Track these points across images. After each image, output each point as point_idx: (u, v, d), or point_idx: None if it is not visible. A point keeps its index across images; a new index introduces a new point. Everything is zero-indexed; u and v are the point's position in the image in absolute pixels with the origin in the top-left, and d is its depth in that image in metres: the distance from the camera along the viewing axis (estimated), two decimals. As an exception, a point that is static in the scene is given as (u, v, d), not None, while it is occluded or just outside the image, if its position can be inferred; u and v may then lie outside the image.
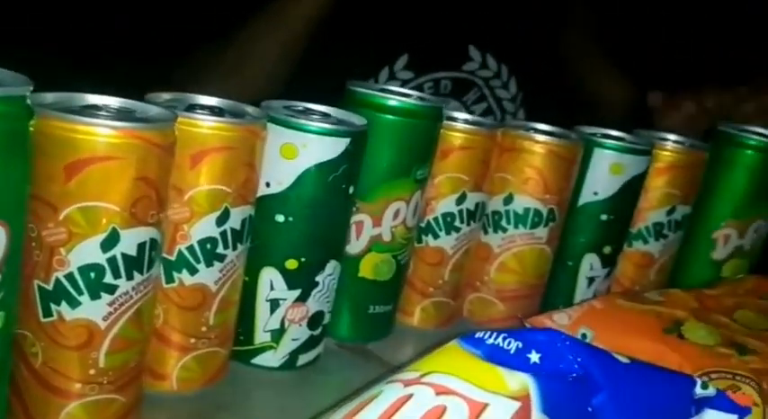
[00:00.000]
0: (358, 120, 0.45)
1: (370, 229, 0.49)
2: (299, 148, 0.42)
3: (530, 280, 0.57)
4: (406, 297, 0.56)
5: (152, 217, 0.34)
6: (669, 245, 0.62)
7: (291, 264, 0.44)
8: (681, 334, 0.45)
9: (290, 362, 0.46)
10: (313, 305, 0.46)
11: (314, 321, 0.46)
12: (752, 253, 0.64)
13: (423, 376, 0.30)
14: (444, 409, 0.28)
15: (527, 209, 0.55)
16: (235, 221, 0.40)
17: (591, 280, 0.60)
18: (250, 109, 0.41)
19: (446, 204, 0.53)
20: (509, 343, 0.31)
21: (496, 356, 0.31)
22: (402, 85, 0.91)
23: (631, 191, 0.58)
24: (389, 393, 0.29)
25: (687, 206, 0.62)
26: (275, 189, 0.42)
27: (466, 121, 0.54)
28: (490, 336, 0.32)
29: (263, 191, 0.42)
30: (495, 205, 0.56)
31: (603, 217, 0.58)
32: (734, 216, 0.62)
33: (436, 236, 0.54)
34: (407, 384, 0.29)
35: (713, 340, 0.44)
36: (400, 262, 0.51)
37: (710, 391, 0.34)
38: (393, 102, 0.48)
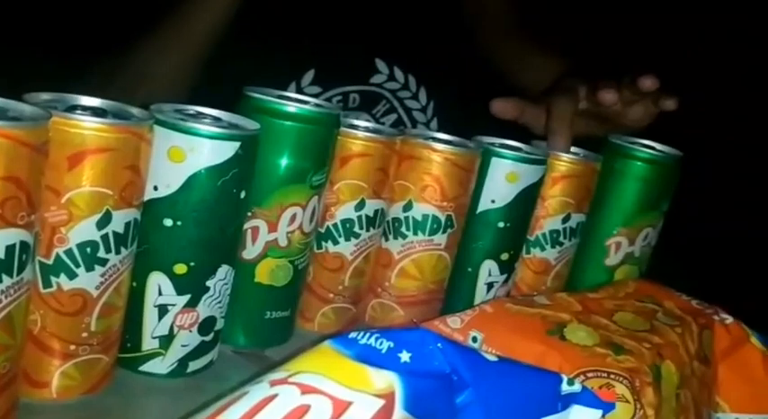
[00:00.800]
0: (250, 124, 0.45)
1: (265, 235, 0.49)
2: (186, 152, 0.41)
3: (429, 285, 0.58)
4: (306, 302, 0.56)
5: (21, 218, 0.33)
6: (565, 251, 0.65)
7: (180, 269, 0.43)
8: (563, 336, 0.46)
9: (179, 369, 0.46)
10: (204, 310, 0.45)
11: (205, 327, 0.46)
12: (641, 259, 0.67)
13: (291, 376, 0.30)
14: (308, 408, 0.28)
15: (425, 216, 0.56)
16: (117, 225, 0.39)
17: (490, 285, 0.62)
18: (136, 111, 0.41)
19: (345, 210, 0.54)
20: (381, 342, 0.32)
21: (367, 356, 0.31)
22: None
23: (527, 199, 0.60)
24: (255, 393, 0.29)
25: (581, 214, 0.64)
26: (163, 192, 0.42)
27: (366, 129, 0.55)
28: (363, 337, 0.32)
29: (150, 194, 0.42)
30: (395, 212, 0.57)
31: (501, 224, 0.60)
32: (624, 224, 0.65)
33: (336, 242, 0.55)
34: (274, 384, 0.29)
35: (592, 341, 0.46)
36: (298, 268, 0.51)
37: (576, 387, 0.35)
38: (289, 108, 0.48)
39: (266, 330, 0.52)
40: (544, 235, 0.64)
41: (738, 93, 1.56)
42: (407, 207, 0.57)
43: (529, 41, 1.00)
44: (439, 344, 0.32)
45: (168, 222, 0.42)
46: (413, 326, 0.53)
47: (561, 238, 0.64)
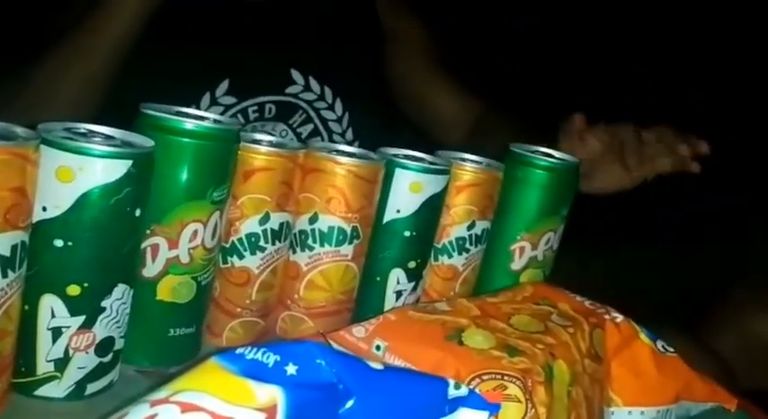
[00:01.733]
0: (144, 141, 0.45)
1: (166, 252, 0.49)
2: (75, 171, 0.41)
3: (337, 296, 0.59)
4: (213, 317, 0.56)
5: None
6: (471, 258, 0.66)
7: (73, 290, 0.43)
8: (461, 341, 0.48)
9: (77, 392, 0.45)
10: (100, 331, 0.45)
11: (102, 348, 0.45)
12: (545, 262, 0.69)
13: (172, 395, 0.30)
14: (188, 426, 0.28)
15: (331, 228, 0.57)
16: (3, 248, 0.38)
17: (399, 293, 0.63)
18: (20, 130, 0.40)
19: (250, 225, 0.54)
20: (267, 356, 0.33)
21: (253, 370, 0.32)
22: (224, 111, 0.91)
23: (432, 208, 0.62)
24: (135, 414, 0.29)
25: (486, 221, 0.66)
26: (53, 213, 0.41)
27: (268, 143, 0.55)
28: (250, 351, 0.33)
29: (39, 215, 0.41)
30: (301, 224, 0.58)
31: (407, 233, 0.61)
32: (527, 229, 0.68)
33: (241, 257, 0.55)
34: (154, 404, 0.29)
35: (488, 344, 0.48)
36: (201, 284, 0.51)
37: (463, 391, 0.37)
38: (186, 124, 0.48)
39: (170, 348, 0.52)
40: (450, 242, 0.65)
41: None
42: (313, 219, 0.57)
43: (441, 72, 1.03)
44: (322, 358, 0.33)
45: (59, 243, 0.42)
46: (318, 338, 0.54)
47: (467, 245, 0.66)
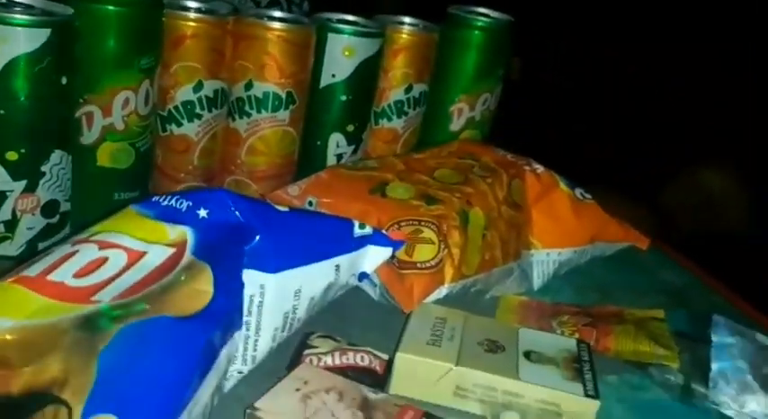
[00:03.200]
0: (62, 10, 0.46)
1: (100, 119, 0.51)
2: (-4, 41, 0.42)
3: (277, 160, 0.62)
4: (157, 184, 0.59)
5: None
6: (411, 120, 0.69)
7: (12, 156, 0.45)
8: (384, 193, 0.52)
9: (28, 250, 0.49)
10: (44, 194, 0.48)
11: (48, 210, 0.48)
12: (483, 123, 0.72)
13: (92, 235, 0.34)
14: (105, 259, 0.32)
15: (266, 94, 0.59)
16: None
17: (339, 156, 0.66)
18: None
19: (184, 92, 0.56)
20: (181, 203, 0.36)
21: (168, 215, 0.35)
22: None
23: (367, 71, 0.63)
24: (57, 251, 0.33)
25: (423, 84, 0.68)
26: (-19, 82, 0.43)
27: (197, 10, 0.56)
28: (165, 199, 0.36)
29: (-33, 85, 0.43)
30: (237, 92, 0.60)
31: (343, 98, 0.63)
32: (465, 91, 0.70)
33: (179, 124, 0.57)
34: (75, 243, 0.33)
35: (408, 195, 0.51)
36: (140, 150, 0.54)
37: (368, 231, 0.41)
38: (107, -8, 0.49)
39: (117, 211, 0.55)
40: (389, 105, 0.68)
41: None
42: (248, 86, 0.59)
43: None
44: (230, 203, 0.36)
45: (-9, 111, 0.44)
46: (255, 197, 0.57)
47: (406, 108, 0.68)
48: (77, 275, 0.31)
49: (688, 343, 0.49)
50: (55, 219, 0.49)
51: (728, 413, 0.43)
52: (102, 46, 0.49)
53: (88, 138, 0.52)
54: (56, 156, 0.47)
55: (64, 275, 0.31)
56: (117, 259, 0.32)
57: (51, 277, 0.31)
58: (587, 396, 0.40)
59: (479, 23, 0.68)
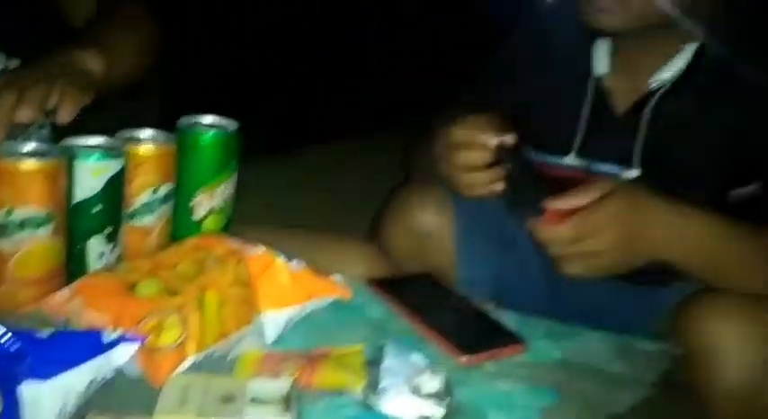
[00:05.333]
0: None
1: None
2: None
3: (44, 268, 0.73)
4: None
5: None
6: (162, 213, 0.83)
7: None
8: (135, 291, 0.66)
9: None
10: None
11: None
12: (225, 208, 0.88)
13: None
14: None
15: (26, 218, 0.71)
16: None
17: (101, 254, 0.79)
18: None
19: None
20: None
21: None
22: None
23: (115, 184, 0.77)
24: None
25: (169, 183, 0.83)
26: None
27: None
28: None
29: None
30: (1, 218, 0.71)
31: (96, 209, 0.76)
32: (202, 185, 0.86)
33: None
34: None
35: (156, 289, 0.67)
36: None
37: (115, 335, 0.56)
38: None
39: None
40: (140, 207, 0.81)
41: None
42: (9, 212, 0.70)
43: None
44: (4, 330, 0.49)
45: None
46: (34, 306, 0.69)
47: (154, 207, 0.82)
48: None
49: (374, 367, 0.69)
50: None
51: (395, 414, 0.64)
52: None
53: None
54: None
55: None
56: None
57: None
58: (291, 423, 0.58)
59: (204, 130, 0.85)
